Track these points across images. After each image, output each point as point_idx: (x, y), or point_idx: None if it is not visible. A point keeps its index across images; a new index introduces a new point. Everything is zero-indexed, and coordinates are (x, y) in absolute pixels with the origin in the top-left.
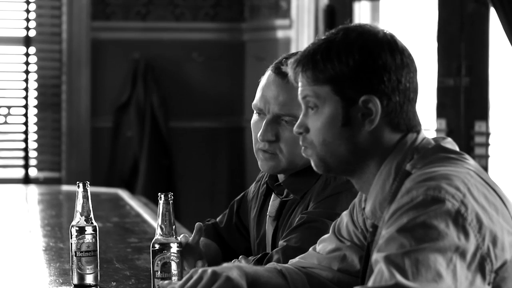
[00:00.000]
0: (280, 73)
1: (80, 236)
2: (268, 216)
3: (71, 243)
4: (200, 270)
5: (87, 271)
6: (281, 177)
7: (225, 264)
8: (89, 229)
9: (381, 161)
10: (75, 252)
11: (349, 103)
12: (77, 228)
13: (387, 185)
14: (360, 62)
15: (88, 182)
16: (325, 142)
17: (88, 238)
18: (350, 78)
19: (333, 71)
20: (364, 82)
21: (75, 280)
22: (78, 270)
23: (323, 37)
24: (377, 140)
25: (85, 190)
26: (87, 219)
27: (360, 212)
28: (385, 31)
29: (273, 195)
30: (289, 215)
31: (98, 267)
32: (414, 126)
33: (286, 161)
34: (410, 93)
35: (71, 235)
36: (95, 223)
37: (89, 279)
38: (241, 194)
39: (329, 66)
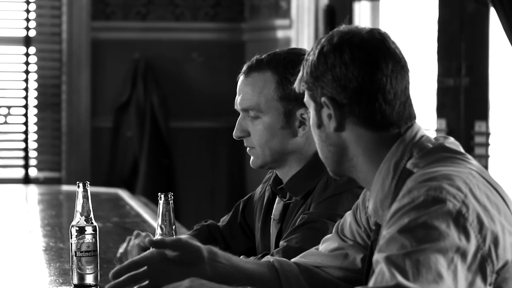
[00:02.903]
0: (244, 72)
1: (80, 236)
2: (272, 219)
3: (71, 243)
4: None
5: (87, 271)
6: (284, 180)
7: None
8: (89, 229)
9: (369, 159)
10: (75, 252)
11: (318, 106)
12: (77, 228)
13: (386, 183)
14: (319, 70)
15: (88, 182)
16: (317, 144)
17: (88, 238)
18: (315, 84)
19: (307, 77)
20: (323, 86)
21: (75, 280)
22: (78, 270)
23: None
24: (352, 140)
25: (85, 190)
26: (87, 219)
27: (364, 211)
28: (355, 32)
29: (277, 198)
30: (293, 217)
31: (98, 267)
32: (388, 123)
33: (262, 154)
34: (370, 93)
35: (71, 235)
36: (95, 223)
37: (89, 279)
38: (248, 195)
39: (305, 73)
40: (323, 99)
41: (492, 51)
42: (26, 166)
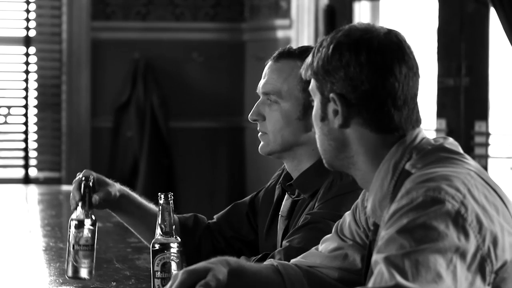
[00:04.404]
0: (274, 57)
1: (79, 230)
2: (280, 215)
3: (69, 236)
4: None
5: (83, 265)
6: (293, 175)
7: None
8: (88, 223)
9: (370, 159)
10: (73, 245)
11: (325, 100)
12: (76, 222)
13: (385, 184)
14: (331, 64)
15: (93, 176)
16: (317, 136)
17: (86, 232)
18: (325, 77)
19: (317, 68)
20: (333, 82)
21: (70, 273)
22: (74, 263)
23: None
24: (355, 138)
25: (87, 183)
26: (87, 213)
27: (363, 211)
28: (374, 32)
29: (286, 195)
30: (300, 214)
31: (94, 262)
32: (394, 128)
33: (273, 141)
34: (380, 97)
35: (70, 227)
36: (94, 218)
37: (84, 273)
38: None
39: (315, 62)
40: (331, 94)
41: (492, 51)
42: (26, 166)
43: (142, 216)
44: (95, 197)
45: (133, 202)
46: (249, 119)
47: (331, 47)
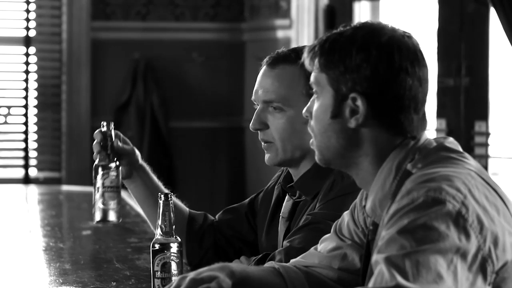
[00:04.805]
0: (268, 63)
1: (104, 172)
2: (281, 217)
3: (95, 182)
4: (188, 277)
5: (110, 207)
6: (295, 178)
7: (213, 265)
8: (112, 166)
9: (377, 161)
10: (99, 188)
11: (340, 97)
12: (100, 166)
13: (387, 183)
14: (355, 62)
15: (113, 122)
16: (320, 131)
17: (112, 174)
18: (344, 74)
19: (332, 63)
20: (356, 81)
21: (98, 217)
22: (101, 206)
23: (341, 28)
24: (368, 139)
25: (109, 129)
26: (109, 157)
27: (361, 211)
28: (399, 34)
29: (287, 196)
30: (301, 216)
31: (121, 206)
32: (410, 131)
33: (282, 150)
34: (405, 101)
35: (96, 173)
36: (118, 162)
37: (112, 216)
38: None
39: (330, 57)
40: (353, 94)
41: (492, 51)
42: (26, 166)
43: (154, 192)
44: (118, 142)
45: (150, 176)
46: (250, 129)
47: (357, 44)
